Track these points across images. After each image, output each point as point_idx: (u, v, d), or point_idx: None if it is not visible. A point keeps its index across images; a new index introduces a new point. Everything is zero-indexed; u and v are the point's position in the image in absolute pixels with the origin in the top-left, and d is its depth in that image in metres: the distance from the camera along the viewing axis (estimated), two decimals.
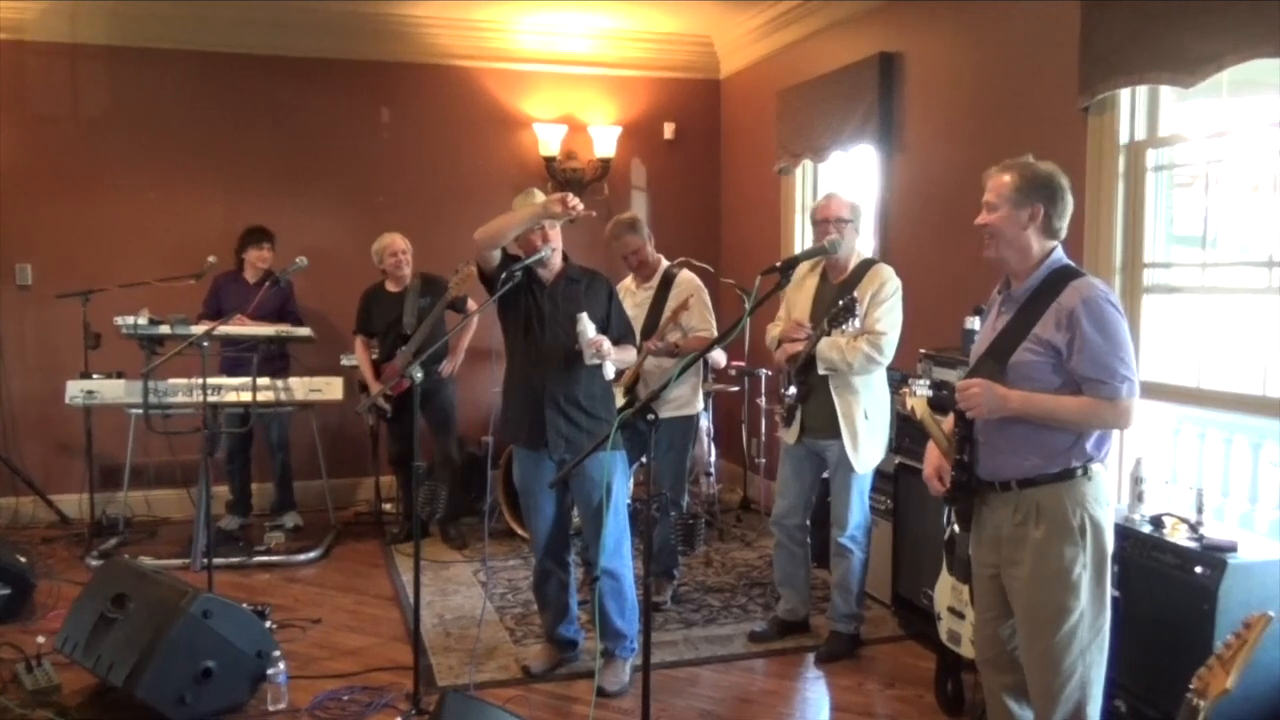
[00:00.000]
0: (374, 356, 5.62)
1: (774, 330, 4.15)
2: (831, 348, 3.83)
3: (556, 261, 3.81)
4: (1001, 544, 2.65)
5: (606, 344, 3.63)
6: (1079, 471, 2.56)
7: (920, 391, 2.83)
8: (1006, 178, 2.59)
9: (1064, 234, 2.62)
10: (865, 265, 3.96)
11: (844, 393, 3.89)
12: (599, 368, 3.67)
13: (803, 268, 4.05)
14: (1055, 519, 2.55)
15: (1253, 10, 3.11)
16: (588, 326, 3.61)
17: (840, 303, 3.66)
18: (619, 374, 3.86)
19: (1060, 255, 2.62)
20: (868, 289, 3.87)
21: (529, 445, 3.80)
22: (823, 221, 3.93)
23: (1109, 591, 2.60)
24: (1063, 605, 2.54)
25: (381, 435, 6.06)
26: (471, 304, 5.38)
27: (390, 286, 5.63)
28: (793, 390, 3.98)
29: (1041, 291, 2.57)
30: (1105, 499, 2.59)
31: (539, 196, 3.89)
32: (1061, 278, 2.56)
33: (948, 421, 2.76)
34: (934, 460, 2.83)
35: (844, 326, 3.66)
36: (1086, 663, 2.57)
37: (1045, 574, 2.55)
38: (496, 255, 3.70)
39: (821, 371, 3.87)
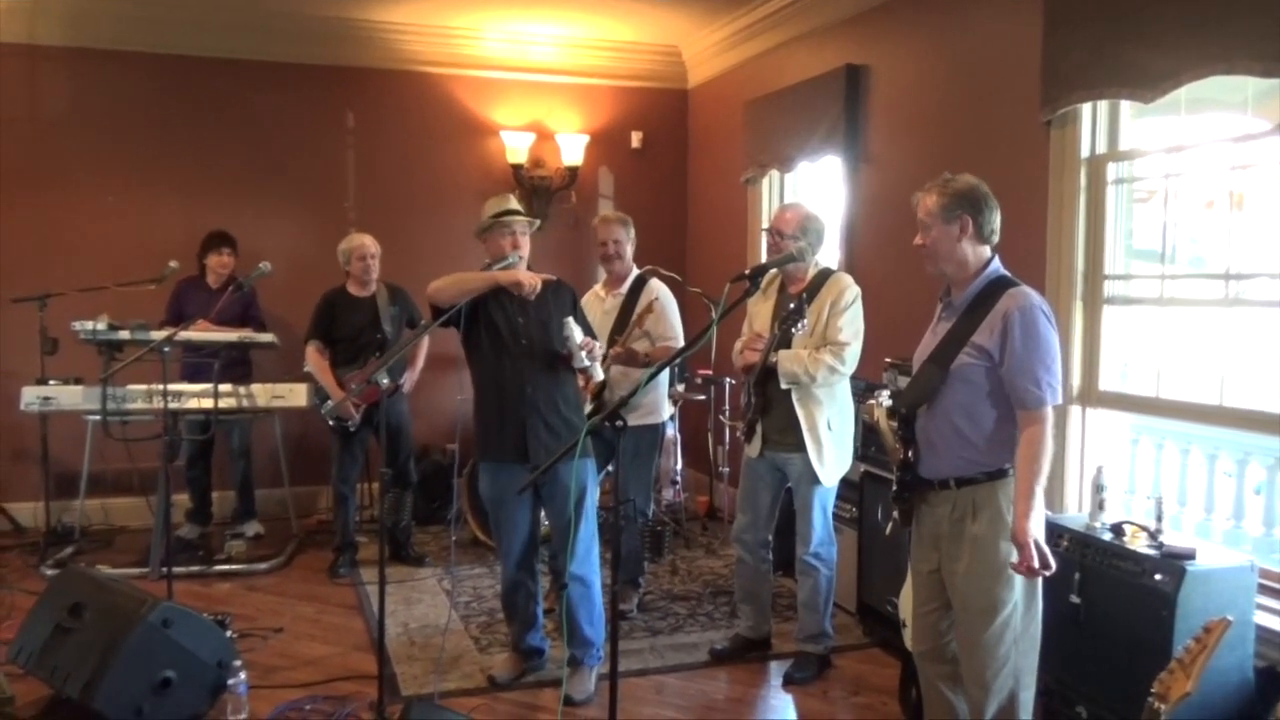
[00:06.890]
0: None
1: (738, 346, 4.14)
2: (793, 361, 3.77)
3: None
4: (940, 540, 2.79)
5: (597, 345, 3.71)
6: (1011, 471, 2.69)
7: (885, 402, 2.98)
8: (932, 198, 2.73)
9: (996, 237, 2.75)
10: (824, 275, 3.95)
11: (807, 403, 3.83)
12: (572, 373, 3.74)
13: (764, 281, 4.05)
14: (991, 515, 2.68)
15: (1209, 29, 3.19)
16: (575, 330, 3.65)
17: (791, 306, 3.67)
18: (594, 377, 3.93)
19: (997, 266, 2.75)
20: (827, 298, 3.85)
21: (514, 458, 3.69)
22: (776, 233, 3.95)
23: (1040, 586, 2.73)
24: (998, 597, 2.67)
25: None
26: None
27: (354, 290, 5.33)
28: (751, 401, 3.95)
29: (980, 300, 2.71)
30: None
31: (512, 201, 3.90)
32: (999, 287, 2.70)
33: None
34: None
35: (795, 329, 3.67)
36: (1020, 651, 2.70)
37: (982, 567, 2.68)
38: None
39: (784, 385, 3.81)
